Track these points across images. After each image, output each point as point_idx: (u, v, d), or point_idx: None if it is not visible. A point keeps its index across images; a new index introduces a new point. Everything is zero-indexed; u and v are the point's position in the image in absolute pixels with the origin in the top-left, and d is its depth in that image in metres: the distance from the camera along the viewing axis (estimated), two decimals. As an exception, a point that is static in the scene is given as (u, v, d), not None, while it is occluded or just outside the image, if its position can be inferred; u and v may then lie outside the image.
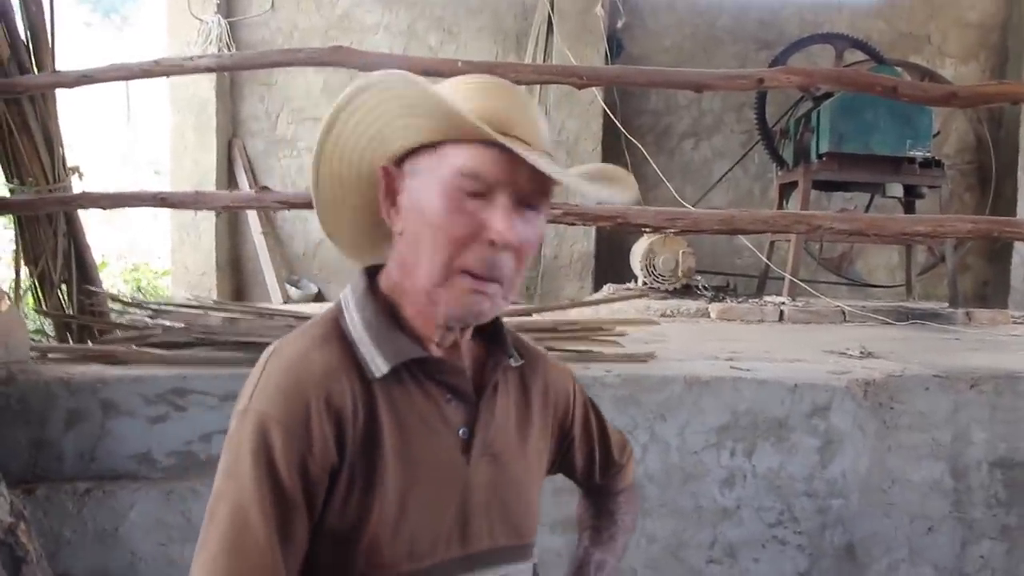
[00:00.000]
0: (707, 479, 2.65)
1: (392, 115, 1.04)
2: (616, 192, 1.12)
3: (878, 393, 2.73)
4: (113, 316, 3.50)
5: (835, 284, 7.18)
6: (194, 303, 3.22)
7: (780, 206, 6.70)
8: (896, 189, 6.16)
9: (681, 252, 5.88)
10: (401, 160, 1.08)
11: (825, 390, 2.69)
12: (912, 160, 5.85)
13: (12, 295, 3.68)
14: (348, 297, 1.14)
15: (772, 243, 6.68)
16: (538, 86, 6.18)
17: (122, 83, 3.60)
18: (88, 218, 3.99)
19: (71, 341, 3.56)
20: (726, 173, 7.82)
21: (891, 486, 2.73)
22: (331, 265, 7.31)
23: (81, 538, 2.39)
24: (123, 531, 2.40)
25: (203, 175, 7.01)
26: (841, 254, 7.28)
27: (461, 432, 1.11)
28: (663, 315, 5.23)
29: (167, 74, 3.46)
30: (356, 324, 1.09)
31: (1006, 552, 2.77)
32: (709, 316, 5.37)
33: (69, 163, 3.78)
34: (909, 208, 6.29)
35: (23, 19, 3.58)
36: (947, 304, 6.01)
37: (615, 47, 7.28)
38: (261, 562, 0.94)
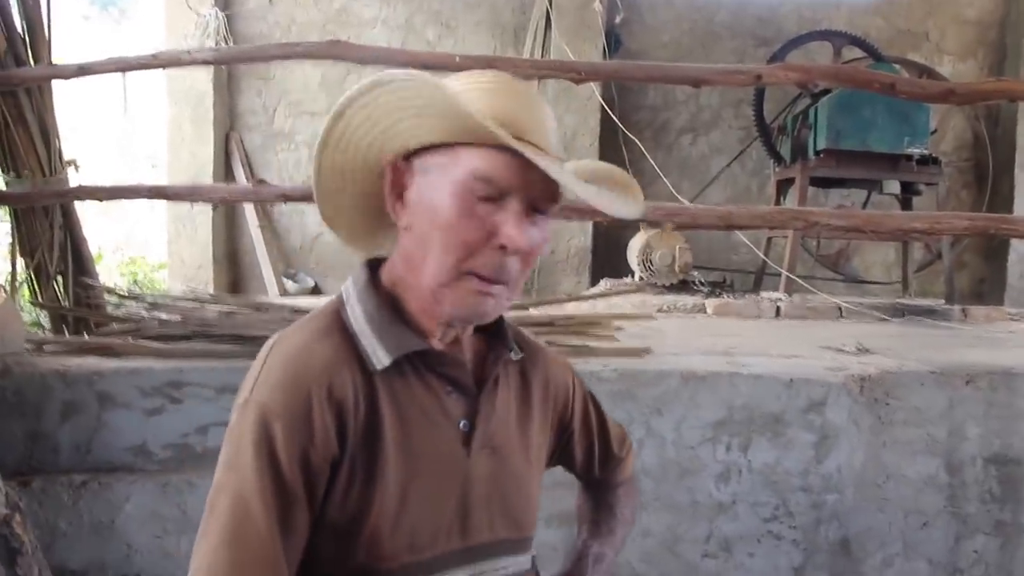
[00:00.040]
0: (703, 474, 2.66)
1: (406, 113, 1.03)
2: (625, 207, 1.13)
3: (874, 389, 2.73)
4: (109, 309, 3.50)
5: (832, 280, 7.18)
6: (190, 296, 3.22)
7: (777, 202, 6.71)
8: (893, 186, 6.17)
9: (678, 247, 5.88)
10: (409, 155, 1.08)
11: (821, 385, 2.70)
12: (909, 157, 5.85)
13: (8, 287, 3.67)
14: (349, 289, 1.13)
15: (769, 239, 6.68)
16: (536, 81, 6.18)
17: (119, 76, 3.60)
18: (84, 211, 3.98)
19: (67, 333, 3.56)
20: (724, 169, 7.82)
21: (886, 481, 2.73)
22: (328, 259, 7.30)
23: (77, 530, 2.39)
24: (119, 523, 2.40)
25: (200, 168, 7.00)
26: (838, 251, 7.28)
27: (462, 425, 1.11)
28: (660, 310, 5.24)
29: (164, 67, 3.46)
30: (358, 316, 1.09)
31: (1000, 547, 2.78)
32: (706, 312, 5.37)
33: (66, 155, 3.77)
34: (906, 205, 6.29)
35: (20, 11, 3.57)
36: (943, 301, 6.02)
37: (613, 42, 7.27)
38: (262, 553, 0.94)
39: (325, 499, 1.02)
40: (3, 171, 3.61)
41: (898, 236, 6.20)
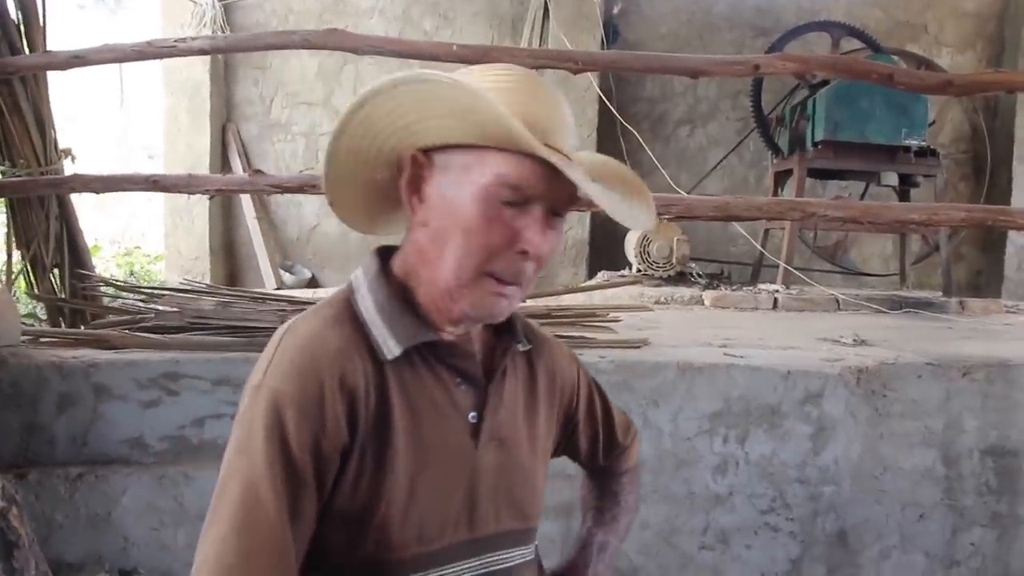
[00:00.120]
0: (700, 465, 2.66)
1: (434, 111, 1.03)
2: (643, 220, 1.14)
3: (871, 380, 2.73)
4: (106, 300, 3.50)
5: (829, 272, 7.18)
6: (187, 287, 3.21)
7: (775, 194, 6.70)
8: (891, 178, 6.16)
9: (675, 239, 5.88)
10: (428, 149, 1.07)
11: (818, 377, 2.70)
12: (907, 149, 5.84)
13: (4, 278, 3.66)
14: (360, 278, 1.13)
15: (767, 231, 6.68)
16: (533, 71, 6.16)
17: (115, 66, 3.58)
18: (81, 202, 3.97)
19: (63, 325, 3.55)
20: (721, 160, 7.81)
21: (883, 473, 2.74)
22: (325, 250, 7.30)
23: (73, 523, 2.39)
24: (115, 516, 2.40)
25: (196, 159, 6.99)
26: (835, 242, 7.28)
27: (471, 416, 1.12)
28: (657, 302, 5.24)
29: (160, 56, 3.44)
30: (368, 306, 1.09)
31: (996, 539, 2.78)
32: (703, 303, 5.37)
33: (61, 146, 3.76)
34: (904, 197, 6.29)
35: (14, 0, 3.55)
36: (941, 293, 6.02)
37: (611, 34, 7.25)
38: (271, 540, 0.94)
39: (335, 489, 1.02)
40: (-2, 161, 3.60)
41: (895, 228, 6.21)
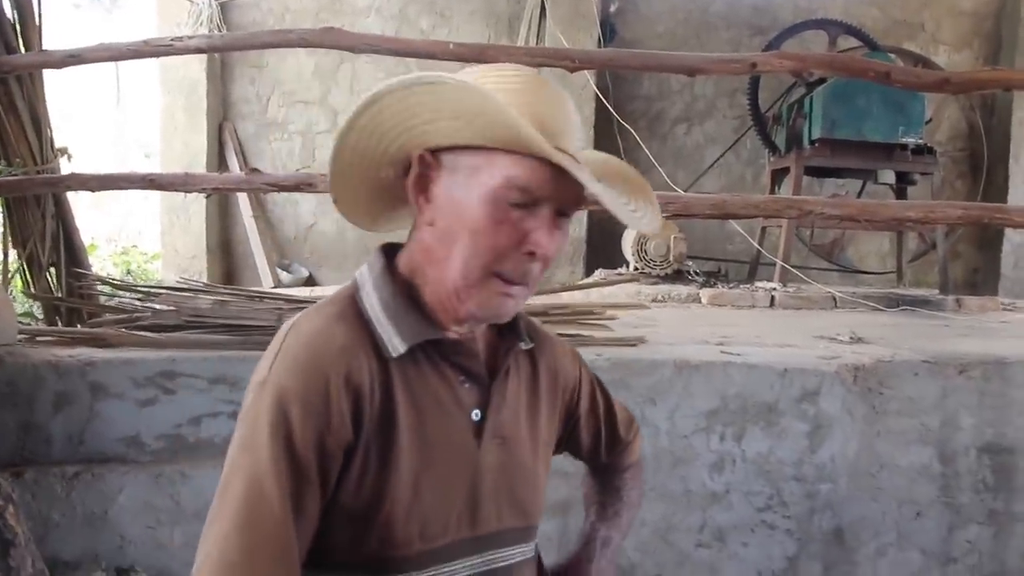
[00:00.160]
0: (696, 463, 2.66)
1: (444, 113, 1.02)
2: (649, 224, 1.14)
3: (867, 378, 2.74)
4: (102, 299, 3.49)
5: (826, 270, 7.18)
6: (184, 286, 3.21)
7: (772, 192, 6.70)
8: (888, 176, 6.16)
9: (672, 237, 5.88)
10: (436, 149, 1.07)
11: (815, 375, 2.70)
12: (904, 147, 5.85)
13: (0, 277, 3.66)
14: (365, 275, 1.13)
15: (763, 229, 6.68)
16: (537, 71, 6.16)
17: (111, 65, 3.57)
18: (77, 202, 3.96)
19: (60, 324, 3.54)
20: (718, 159, 7.82)
21: (879, 471, 2.74)
22: (322, 249, 7.29)
23: (70, 521, 2.38)
24: (112, 514, 2.40)
25: (193, 157, 6.98)
26: (832, 240, 7.28)
27: (473, 415, 1.12)
28: (654, 300, 5.24)
29: (156, 55, 3.43)
30: (373, 303, 1.09)
31: (993, 536, 2.79)
32: (700, 301, 5.38)
33: (57, 144, 3.75)
34: (901, 195, 6.29)
35: (10, -1, 3.55)
36: (937, 291, 6.02)
37: (608, 32, 7.24)
38: (275, 536, 0.94)
39: (339, 486, 1.02)
40: (-6, 160, 3.59)
41: (892, 225, 6.21)
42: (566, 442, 1.37)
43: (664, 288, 5.56)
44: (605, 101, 6.12)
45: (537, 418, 1.23)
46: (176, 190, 3.55)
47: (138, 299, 3.07)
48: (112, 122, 10.79)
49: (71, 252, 3.75)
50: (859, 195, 7.05)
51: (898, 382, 2.75)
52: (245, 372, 2.51)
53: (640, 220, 1.12)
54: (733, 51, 7.33)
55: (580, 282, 5.96)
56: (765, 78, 6.75)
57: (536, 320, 1.31)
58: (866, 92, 5.66)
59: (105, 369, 2.46)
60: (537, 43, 6.80)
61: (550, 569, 1.41)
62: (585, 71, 5.34)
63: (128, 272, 8.56)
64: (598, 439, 1.41)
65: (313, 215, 7.27)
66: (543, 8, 6.89)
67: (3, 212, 3.69)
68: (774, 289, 5.50)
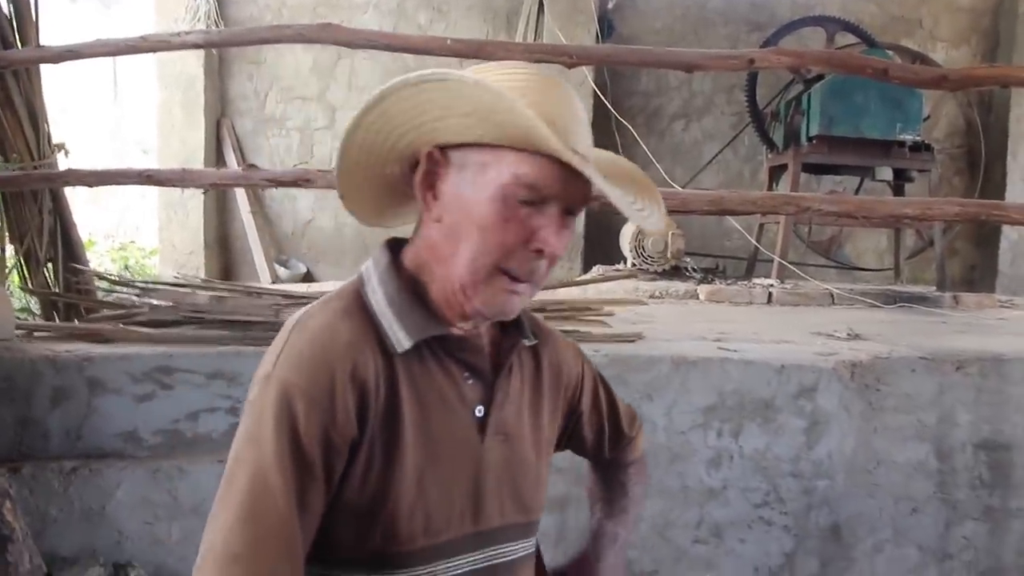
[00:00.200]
0: (694, 459, 2.67)
1: (457, 110, 1.02)
2: (655, 222, 1.14)
3: (864, 375, 2.74)
4: (100, 294, 3.49)
5: (824, 267, 7.19)
6: (181, 281, 3.20)
7: (770, 188, 6.71)
8: (886, 173, 6.16)
9: (670, 234, 5.88)
10: (445, 146, 1.07)
11: (812, 371, 2.70)
12: (902, 144, 5.86)
13: (-3, 273, 3.65)
14: (370, 271, 1.13)
15: (761, 226, 6.69)
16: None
17: (109, 60, 3.56)
18: (75, 197, 3.96)
19: (57, 319, 3.54)
20: (716, 155, 7.81)
21: (876, 467, 2.74)
22: (320, 245, 7.29)
23: (67, 516, 2.38)
24: (109, 509, 2.40)
25: (191, 154, 6.97)
26: (830, 237, 7.29)
27: (477, 411, 1.12)
28: (652, 296, 5.24)
29: (153, 50, 3.42)
30: (379, 298, 1.09)
31: (989, 532, 2.80)
32: (698, 298, 5.38)
33: (54, 140, 3.74)
34: (899, 192, 6.30)
35: (7, -6, 3.54)
36: (935, 288, 6.03)
37: (606, 28, 7.24)
38: (279, 528, 0.94)
39: (344, 481, 1.02)
40: (-9, 155, 3.58)
41: (889, 222, 6.21)
42: (569, 438, 1.37)
43: (662, 284, 5.57)
44: (603, 97, 6.12)
45: (540, 414, 1.23)
46: (174, 186, 3.55)
47: (135, 295, 3.07)
48: (110, 118, 10.78)
49: (68, 247, 3.75)
50: (857, 192, 7.06)
51: (895, 378, 2.75)
52: (242, 367, 2.52)
53: (647, 219, 1.12)
54: (731, 47, 7.31)
55: (578, 278, 5.96)
56: (763, 75, 6.76)
57: (539, 316, 1.31)
58: (864, 89, 5.67)
59: (102, 364, 2.46)
60: (535, 39, 6.79)
61: (558, 569, 1.42)
62: (583, 67, 5.33)
63: (126, 268, 8.55)
64: (601, 435, 1.41)
65: (311, 211, 7.26)
66: (541, 4, 6.89)
67: (0, 207, 3.68)
68: (772, 285, 5.51)
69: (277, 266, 7.12)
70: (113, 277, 3.49)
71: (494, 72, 1.06)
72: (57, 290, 3.66)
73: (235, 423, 2.47)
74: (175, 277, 3.56)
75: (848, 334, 3.31)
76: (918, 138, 5.88)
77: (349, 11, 7.15)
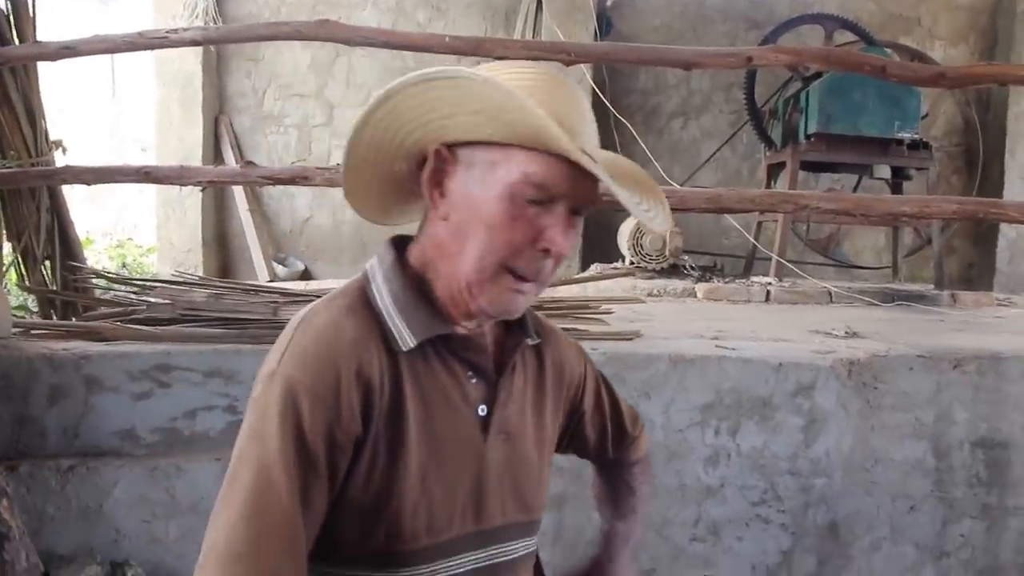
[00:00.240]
0: (691, 457, 2.67)
1: (466, 108, 1.02)
2: (661, 223, 1.14)
3: (862, 373, 2.74)
4: (97, 292, 3.48)
5: (822, 265, 7.19)
6: (179, 279, 3.20)
7: (768, 186, 6.70)
8: (884, 171, 6.17)
9: (668, 232, 5.88)
10: (453, 144, 1.06)
11: (810, 369, 2.70)
12: (900, 142, 5.85)
13: (-5, 270, 3.64)
14: (375, 268, 1.13)
15: (759, 224, 6.69)
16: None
17: (107, 57, 3.56)
18: (73, 195, 3.95)
19: (55, 317, 3.54)
20: (714, 153, 7.81)
21: (874, 465, 2.75)
22: (318, 242, 7.28)
23: (65, 515, 2.38)
24: (107, 508, 2.39)
25: (189, 151, 6.95)
26: (828, 235, 7.29)
27: (480, 410, 1.12)
28: (650, 294, 5.24)
29: (151, 47, 3.42)
30: (384, 296, 1.09)
31: (986, 530, 2.80)
32: (696, 296, 5.38)
33: (52, 137, 3.74)
34: (897, 190, 6.30)
35: (4, -10, 3.54)
36: (933, 286, 6.04)
37: (604, 26, 7.23)
38: (283, 525, 0.94)
39: (348, 480, 1.02)
40: (-12, 152, 3.57)
41: (887, 220, 6.21)
42: (571, 438, 1.37)
43: (660, 282, 5.57)
44: (601, 95, 6.11)
45: (542, 413, 1.23)
46: (171, 183, 3.54)
47: (133, 292, 3.06)
48: (108, 115, 10.77)
49: (66, 245, 3.75)
50: (855, 190, 7.06)
51: (893, 377, 2.76)
52: (240, 365, 2.52)
53: (653, 219, 1.12)
54: (729, 44, 7.29)
55: (576, 276, 5.96)
56: (762, 73, 6.75)
57: (542, 316, 1.31)
58: (862, 87, 5.67)
59: (100, 362, 2.46)
60: (533, 36, 6.78)
61: (572, 573, 1.43)
62: (581, 65, 5.33)
63: (123, 265, 8.55)
64: (605, 435, 1.41)
65: (309, 208, 7.26)
66: (539, 2, 6.88)
67: (-2, 204, 3.68)
68: (770, 284, 5.51)
69: (275, 264, 7.12)
70: (111, 275, 3.48)
71: (503, 71, 1.06)
72: (54, 288, 3.65)
73: (233, 421, 2.49)
74: (173, 275, 3.55)
75: (846, 332, 3.31)
76: (916, 136, 5.87)
77: (348, 8, 7.13)
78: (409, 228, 1.18)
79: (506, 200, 1.01)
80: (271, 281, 6.56)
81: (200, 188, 6.37)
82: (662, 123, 8.02)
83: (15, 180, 3.47)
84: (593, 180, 1.02)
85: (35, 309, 3.83)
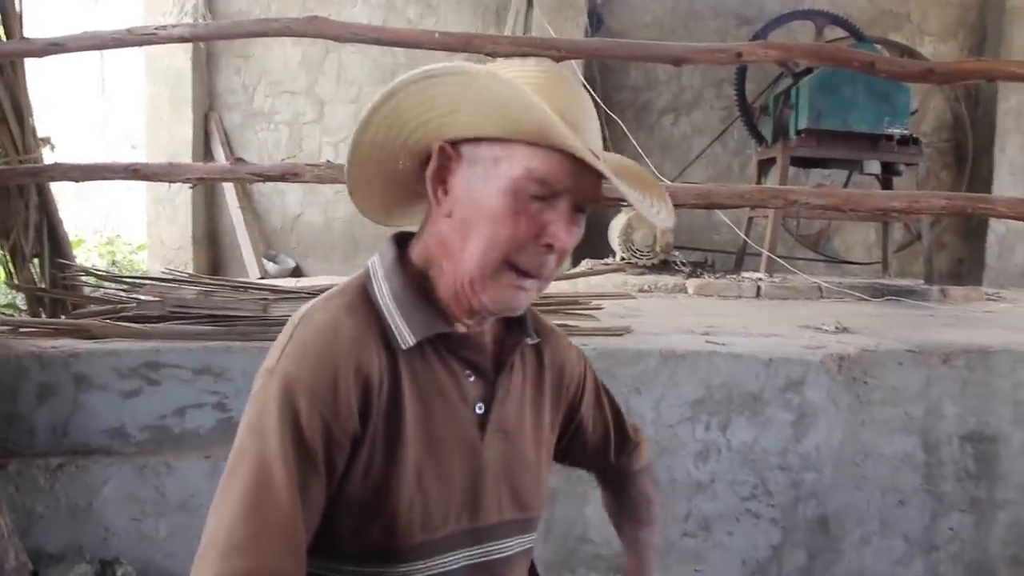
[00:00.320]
0: (681, 453, 2.67)
1: (469, 104, 1.02)
2: (665, 219, 1.15)
3: (852, 368, 2.75)
4: (87, 290, 3.47)
5: (812, 261, 7.21)
6: (168, 276, 3.19)
7: (759, 182, 6.70)
8: (874, 166, 6.18)
9: (659, 228, 5.88)
10: (456, 141, 1.07)
11: (800, 364, 2.71)
12: (890, 137, 5.86)
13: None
14: (376, 265, 1.14)
15: (750, 220, 6.70)
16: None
17: (96, 54, 3.54)
18: (62, 192, 3.93)
19: (44, 315, 3.52)
20: (705, 149, 7.82)
21: (864, 460, 2.75)
22: (308, 240, 7.26)
23: (54, 513, 2.37)
24: (96, 506, 2.39)
25: (179, 148, 6.93)
26: (819, 231, 7.31)
27: (477, 408, 1.13)
28: (641, 290, 5.24)
29: (140, 44, 3.41)
30: (384, 294, 1.10)
31: (974, 524, 2.81)
32: (686, 291, 5.38)
33: (40, 134, 3.72)
34: (886, 185, 6.31)
35: (-10, -13, 3.51)
36: (923, 281, 6.06)
37: (595, 22, 7.24)
38: (282, 520, 0.94)
39: (345, 476, 1.03)
40: (-25, 150, 3.55)
41: (877, 216, 6.24)
42: (571, 439, 1.36)
43: (651, 278, 5.57)
44: (592, 92, 6.09)
45: (541, 412, 1.24)
46: (160, 180, 3.53)
47: (123, 290, 3.05)
48: (97, 112, 10.72)
49: (55, 243, 3.73)
50: (845, 186, 7.07)
51: (882, 371, 2.76)
52: (230, 363, 2.52)
53: (658, 215, 1.13)
54: (720, 41, 7.32)
55: (567, 272, 5.97)
56: (752, 69, 6.76)
57: (542, 315, 1.31)
58: (852, 83, 5.68)
59: (89, 360, 2.45)
60: (524, 33, 6.77)
61: None
62: (572, 61, 5.33)
63: (113, 263, 8.52)
64: (608, 439, 1.41)
65: (300, 205, 7.24)
66: (530, -2, 6.87)
67: (-15, 202, 3.66)
68: (760, 279, 5.52)
69: (266, 261, 7.10)
70: (100, 272, 3.47)
71: (506, 68, 1.06)
72: (43, 286, 3.64)
73: (222, 419, 2.48)
74: (163, 272, 3.54)
75: (836, 327, 3.32)
76: (906, 132, 5.88)
77: (338, 5, 7.11)
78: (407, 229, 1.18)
79: (509, 195, 1.02)
80: (262, 278, 6.54)
81: (190, 185, 6.35)
82: (653, 119, 8.02)
83: (3, 178, 3.46)
84: (596, 176, 1.02)
85: (24, 307, 3.81)
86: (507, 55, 3.11)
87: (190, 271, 6.20)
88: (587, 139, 1.03)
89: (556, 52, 3.18)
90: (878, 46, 6.43)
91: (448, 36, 3.20)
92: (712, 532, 2.70)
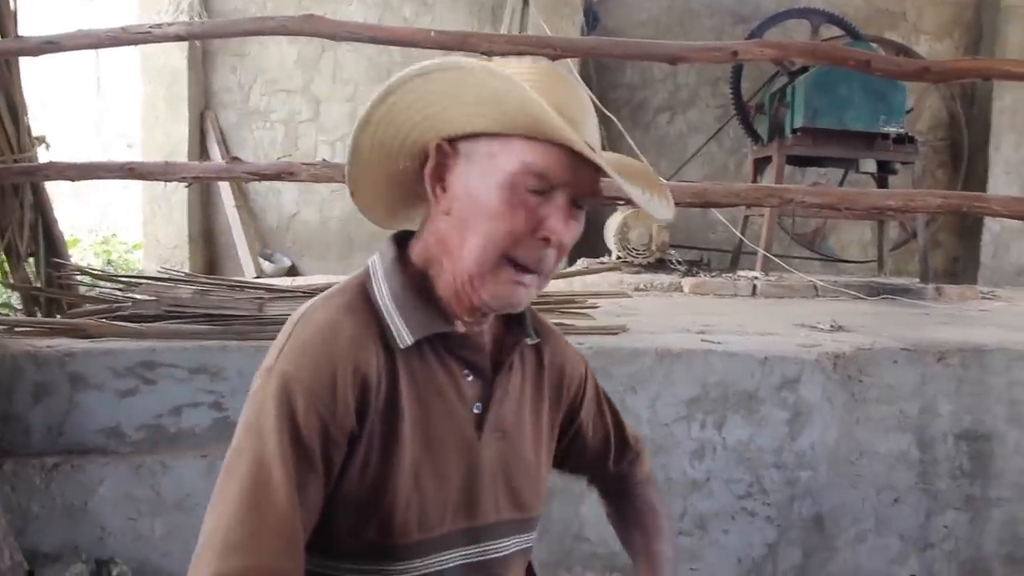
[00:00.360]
0: (677, 451, 2.67)
1: (464, 100, 1.02)
2: (665, 212, 1.15)
3: (847, 366, 2.76)
4: (82, 289, 3.46)
5: (808, 259, 7.22)
6: (164, 275, 3.19)
7: (754, 181, 6.72)
8: (869, 165, 6.19)
9: (655, 226, 5.88)
10: (453, 138, 1.07)
11: (795, 363, 2.71)
12: (885, 136, 5.87)
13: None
14: (376, 265, 1.14)
15: (746, 218, 6.71)
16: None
17: (92, 53, 3.53)
18: (58, 192, 3.93)
19: (39, 314, 3.51)
20: (701, 148, 7.83)
21: (859, 458, 2.76)
22: (304, 239, 7.25)
23: (49, 513, 2.37)
24: (92, 506, 2.38)
25: (174, 147, 6.91)
26: (814, 229, 7.32)
27: (475, 408, 1.13)
28: (636, 289, 5.24)
29: (135, 42, 3.40)
30: (383, 293, 1.10)
31: (969, 522, 2.82)
32: (682, 290, 5.39)
33: (35, 133, 3.71)
34: (882, 184, 6.32)
35: (-16, -15, 3.50)
36: (918, 280, 6.07)
37: (591, 20, 7.23)
38: (280, 519, 0.94)
39: (342, 475, 1.03)
40: (-31, 148, 3.54)
41: (873, 214, 6.24)
42: (571, 442, 1.35)
43: (646, 277, 5.57)
44: (588, 90, 6.11)
45: (540, 412, 1.24)
46: (156, 179, 3.53)
47: (118, 289, 3.05)
48: (93, 111, 10.70)
49: (50, 242, 3.72)
50: (840, 184, 7.09)
51: (877, 370, 2.77)
52: (226, 362, 2.51)
53: (658, 208, 1.13)
54: (716, 39, 7.32)
55: (563, 271, 5.97)
56: (748, 67, 6.77)
57: (543, 316, 1.31)
58: (848, 81, 5.69)
59: (85, 359, 2.44)
60: (520, 32, 6.77)
61: None
62: (568, 59, 5.33)
63: (109, 262, 8.51)
64: (607, 444, 1.40)
65: (296, 204, 7.23)
66: (526, -4, 6.87)
67: (-20, 202, 3.65)
68: (756, 278, 5.52)
69: (262, 260, 7.09)
70: (96, 271, 3.46)
71: (503, 67, 1.06)
72: (39, 285, 3.63)
73: (218, 418, 2.48)
74: (159, 271, 3.53)
75: (831, 326, 3.32)
76: (901, 130, 5.90)
77: (334, 4, 7.09)
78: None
79: (506, 189, 1.02)
80: (257, 277, 6.53)
81: (186, 184, 6.34)
82: (649, 118, 8.02)
83: (-2, 176, 3.45)
84: (594, 171, 1.02)
85: (19, 306, 3.81)
86: (503, 54, 3.11)
87: (186, 270, 6.19)
88: (584, 134, 1.03)
89: (552, 50, 3.19)
90: (874, 45, 6.44)
91: (444, 35, 3.19)
92: (708, 530, 2.71)
